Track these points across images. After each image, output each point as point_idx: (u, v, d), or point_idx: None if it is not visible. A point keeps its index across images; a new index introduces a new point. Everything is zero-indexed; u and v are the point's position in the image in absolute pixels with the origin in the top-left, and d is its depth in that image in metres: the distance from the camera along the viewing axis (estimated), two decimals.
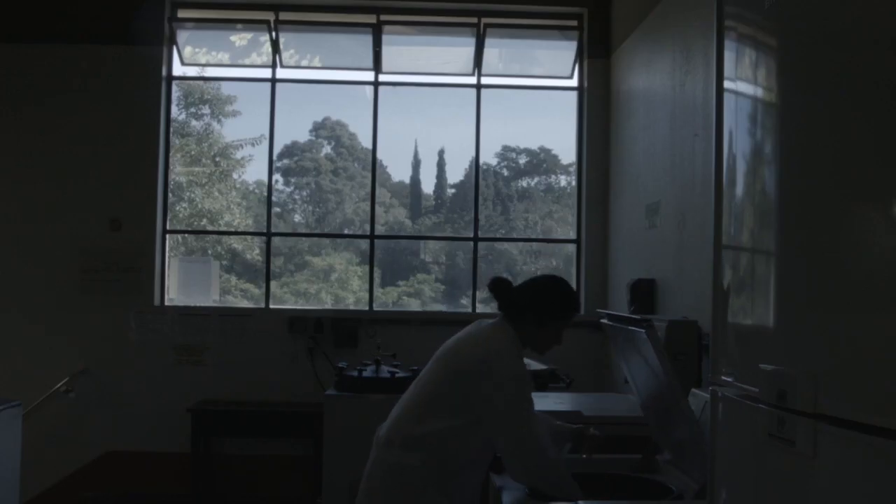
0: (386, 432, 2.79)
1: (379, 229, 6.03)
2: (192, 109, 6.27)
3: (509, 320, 2.79)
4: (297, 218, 6.59)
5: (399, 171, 6.67)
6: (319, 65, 6.12)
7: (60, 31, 5.69)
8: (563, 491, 2.55)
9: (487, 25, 5.83)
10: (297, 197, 6.64)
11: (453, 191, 6.46)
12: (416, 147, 6.42)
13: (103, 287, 5.60)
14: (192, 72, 6.08)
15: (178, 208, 6.10)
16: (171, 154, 5.92)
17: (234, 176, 6.40)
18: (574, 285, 5.88)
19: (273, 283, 5.90)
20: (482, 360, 2.68)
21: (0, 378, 5.27)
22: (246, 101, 6.26)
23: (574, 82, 5.95)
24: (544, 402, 3.58)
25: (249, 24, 5.95)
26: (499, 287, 2.85)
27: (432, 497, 2.68)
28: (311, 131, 6.58)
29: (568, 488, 2.58)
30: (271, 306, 5.79)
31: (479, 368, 2.67)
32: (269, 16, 5.83)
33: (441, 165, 6.51)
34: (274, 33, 5.80)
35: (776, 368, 1.37)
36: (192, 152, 6.31)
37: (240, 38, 6.02)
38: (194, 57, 5.99)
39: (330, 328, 5.58)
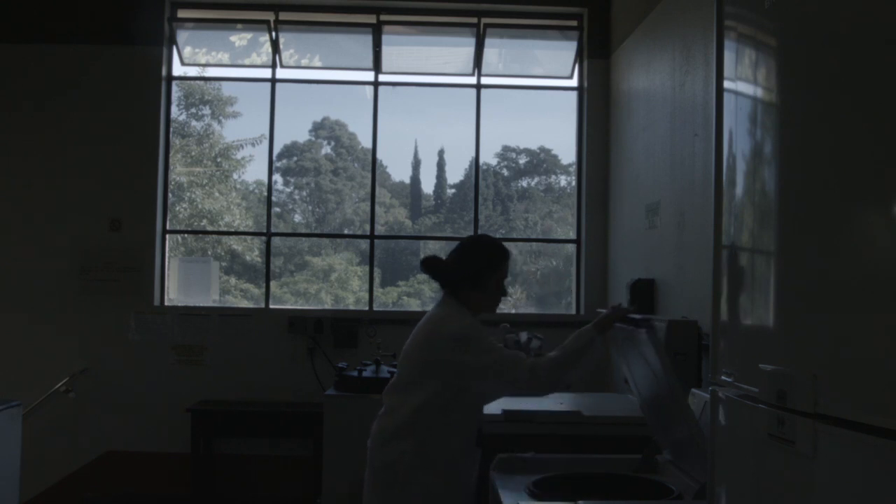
0: (373, 430, 2.90)
1: (379, 229, 6.03)
2: (193, 110, 6.28)
3: (451, 294, 2.88)
4: (297, 218, 6.60)
5: (399, 171, 6.68)
6: (319, 65, 6.12)
7: (60, 31, 5.69)
8: (572, 359, 2.74)
9: (487, 25, 5.83)
10: (297, 197, 6.64)
11: (453, 191, 6.46)
12: (416, 147, 6.42)
13: (103, 287, 5.60)
14: (192, 72, 6.08)
15: (178, 209, 6.10)
16: (171, 154, 5.93)
17: (234, 176, 6.40)
18: (574, 285, 5.88)
19: (273, 283, 5.90)
20: (429, 338, 2.80)
21: (0, 378, 5.27)
22: (246, 100, 6.26)
23: (574, 82, 5.95)
24: (544, 402, 3.58)
25: (249, 24, 5.95)
26: (429, 265, 2.95)
27: (425, 478, 2.74)
28: (310, 131, 6.59)
29: (574, 355, 2.74)
30: (271, 306, 5.79)
31: (434, 345, 2.78)
32: (269, 16, 5.83)
33: (441, 165, 6.52)
34: (274, 33, 5.80)
35: (776, 368, 1.37)
36: (193, 153, 6.31)
37: (240, 38, 6.02)
38: (194, 57, 5.99)
39: (330, 328, 5.58)
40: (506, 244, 3.01)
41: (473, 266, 2.87)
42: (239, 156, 6.30)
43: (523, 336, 3.09)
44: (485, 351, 2.73)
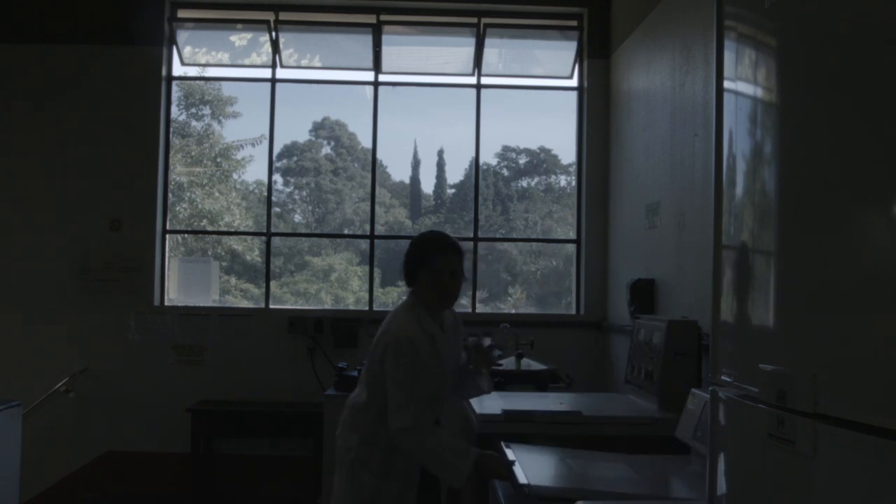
0: None
1: (379, 229, 6.03)
2: (193, 110, 6.28)
3: (412, 292, 2.98)
4: (297, 218, 6.60)
5: (399, 171, 6.68)
6: (319, 65, 6.11)
7: (60, 31, 5.69)
8: (449, 466, 2.71)
9: (487, 25, 5.83)
10: (297, 197, 6.64)
11: (453, 191, 6.46)
12: (415, 147, 6.42)
13: (103, 287, 5.60)
14: (192, 72, 6.08)
15: (178, 209, 6.10)
16: (171, 154, 5.92)
17: (234, 176, 6.40)
18: (574, 285, 5.88)
19: (273, 283, 5.90)
20: (380, 336, 2.91)
21: (0, 378, 5.27)
22: (246, 101, 6.26)
23: (574, 82, 5.95)
24: (544, 402, 3.58)
25: (249, 24, 5.95)
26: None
27: (363, 476, 2.86)
28: (310, 131, 6.59)
29: (453, 463, 2.70)
30: (271, 306, 5.79)
31: (376, 347, 2.90)
32: (269, 16, 5.83)
33: (441, 165, 6.52)
34: (274, 33, 5.80)
35: (776, 368, 1.37)
36: (193, 153, 6.31)
37: (240, 38, 6.02)
38: (194, 57, 5.99)
39: (330, 328, 5.58)
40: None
41: (409, 261, 2.97)
42: (239, 156, 6.30)
43: (486, 341, 3.10)
44: (400, 376, 2.78)
